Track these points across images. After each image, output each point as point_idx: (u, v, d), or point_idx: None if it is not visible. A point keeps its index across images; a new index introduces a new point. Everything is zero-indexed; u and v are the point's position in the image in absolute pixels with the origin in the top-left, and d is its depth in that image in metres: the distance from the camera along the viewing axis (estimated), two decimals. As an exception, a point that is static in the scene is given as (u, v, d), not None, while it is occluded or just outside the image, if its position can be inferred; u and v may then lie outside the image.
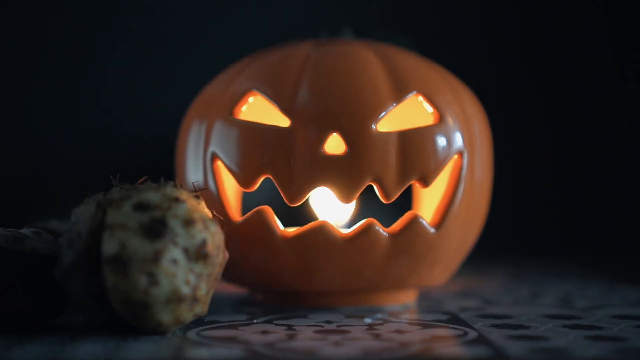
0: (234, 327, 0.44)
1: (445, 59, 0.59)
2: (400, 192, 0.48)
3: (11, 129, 0.91)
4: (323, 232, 0.47)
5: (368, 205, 0.52)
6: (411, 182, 0.48)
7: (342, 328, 0.44)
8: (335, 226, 0.48)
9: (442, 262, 0.51)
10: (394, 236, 0.48)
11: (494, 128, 0.56)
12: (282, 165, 0.47)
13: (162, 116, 0.86)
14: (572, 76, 1.01)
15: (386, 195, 0.47)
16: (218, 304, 0.53)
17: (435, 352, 0.38)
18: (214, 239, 0.41)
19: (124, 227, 0.39)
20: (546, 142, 1.02)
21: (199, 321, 0.46)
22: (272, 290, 0.52)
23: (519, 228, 1.01)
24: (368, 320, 0.47)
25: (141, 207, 0.40)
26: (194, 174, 0.51)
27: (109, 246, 0.39)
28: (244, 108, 0.50)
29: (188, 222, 0.40)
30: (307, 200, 0.48)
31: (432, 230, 0.49)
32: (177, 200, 0.40)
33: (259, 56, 0.53)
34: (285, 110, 0.48)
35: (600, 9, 1.00)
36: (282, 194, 0.48)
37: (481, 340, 0.40)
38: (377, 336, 0.41)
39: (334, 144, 0.47)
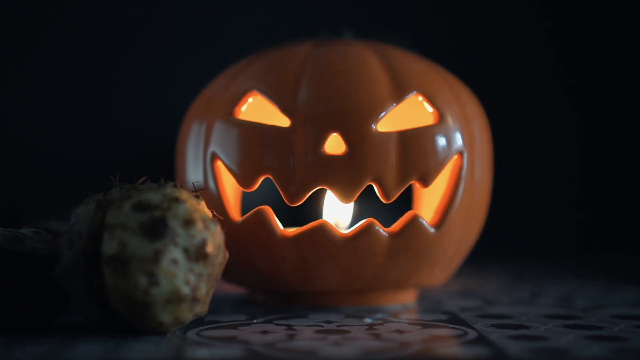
0: (234, 327, 0.44)
1: (445, 59, 0.58)
2: (400, 192, 0.48)
3: (11, 128, 0.91)
4: (323, 232, 0.47)
5: (368, 205, 0.52)
6: (411, 182, 0.48)
7: (342, 328, 0.44)
8: (335, 226, 0.48)
9: (442, 262, 0.51)
10: (394, 236, 0.48)
11: (494, 128, 0.56)
12: (282, 165, 0.47)
13: (162, 116, 0.86)
14: (572, 76, 1.01)
15: (386, 195, 0.47)
16: (218, 304, 0.53)
17: (435, 352, 0.38)
18: (214, 239, 0.41)
19: (124, 227, 0.39)
20: (546, 142, 1.02)
21: (199, 321, 0.46)
22: (272, 290, 0.52)
23: (519, 228, 1.01)
24: (368, 320, 0.47)
25: (141, 207, 0.40)
26: (194, 174, 0.51)
27: (109, 246, 0.39)
28: (244, 108, 0.50)
29: (188, 222, 0.40)
30: (307, 200, 0.48)
31: (432, 230, 0.49)
32: (177, 200, 0.40)
33: (258, 56, 0.53)
34: (285, 110, 0.48)
35: (601, 9, 1.00)
36: (282, 194, 0.48)
37: (481, 340, 0.40)
38: (377, 336, 0.41)
39: (334, 144, 0.47)
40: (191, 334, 0.42)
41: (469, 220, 0.51)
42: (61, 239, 0.41)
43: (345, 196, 0.47)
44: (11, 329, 0.42)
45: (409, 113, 0.50)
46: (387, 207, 0.49)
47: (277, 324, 0.45)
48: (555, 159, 1.02)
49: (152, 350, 0.38)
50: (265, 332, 0.43)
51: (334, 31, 0.55)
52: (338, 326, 0.44)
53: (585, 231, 1.00)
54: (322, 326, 0.44)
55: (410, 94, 0.49)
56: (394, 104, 0.48)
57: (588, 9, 1.00)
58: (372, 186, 0.48)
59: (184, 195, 0.41)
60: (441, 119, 0.49)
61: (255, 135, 0.48)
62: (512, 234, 0.99)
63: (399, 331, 0.43)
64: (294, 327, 0.44)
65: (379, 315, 0.49)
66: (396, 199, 0.48)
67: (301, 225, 0.48)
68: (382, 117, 0.48)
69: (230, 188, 0.51)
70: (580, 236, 1.01)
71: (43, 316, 0.42)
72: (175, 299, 0.39)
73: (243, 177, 0.49)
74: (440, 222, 0.49)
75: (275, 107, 0.49)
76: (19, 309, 0.41)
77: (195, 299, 0.40)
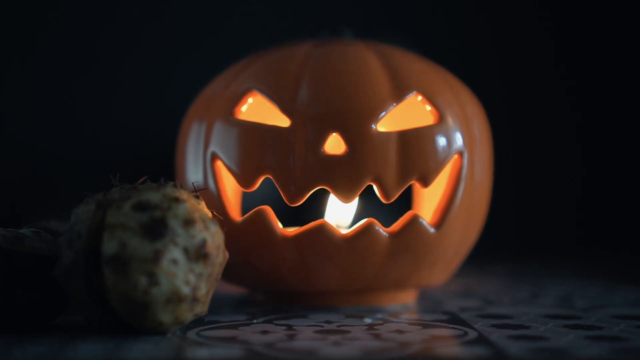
0: (234, 327, 0.44)
1: (445, 59, 0.58)
2: (400, 192, 0.48)
3: (11, 129, 0.91)
4: (323, 232, 0.47)
5: (368, 205, 0.52)
6: (411, 182, 0.48)
7: (342, 328, 0.44)
8: (336, 226, 0.48)
9: (442, 262, 0.51)
10: (394, 236, 0.48)
11: (494, 128, 0.56)
12: (282, 165, 0.47)
13: (162, 116, 0.86)
14: (572, 76, 1.01)
15: (386, 195, 0.47)
16: (218, 304, 0.53)
17: (435, 352, 0.38)
18: (214, 239, 0.41)
19: (124, 227, 0.39)
20: (546, 142, 1.02)
21: (199, 321, 0.46)
22: (272, 290, 0.52)
23: (519, 228, 1.01)
24: (368, 320, 0.47)
25: (141, 207, 0.40)
26: (194, 174, 0.51)
27: (109, 246, 0.39)
28: (244, 108, 0.50)
29: (188, 222, 0.40)
30: (307, 200, 0.48)
31: (432, 230, 0.49)
32: (177, 200, 0.40)
33: (259, 56, 0.53)
34: (285, 110, 0.48)
35: (601, 9, 1.00)
36: (282, 194, 0.48)
37: (481, 340, 0.40)
38: (377, 336, 0.41)
39: (334, 144, 0.47)
40: (191, 334, 0.42)
41: (469, 220, 0.51)
42: (61, 239, 0.41)
43: (345, 196, 0.47)
44: (11, 329, 0.42)
45: (409, 113, 0.50)
46: (387, 207, 0.49)
47: (277, 324, 0.45)
48: (555, 159, 1.02)
49: (152, 350, 0.38)
50: (265, 332, 0.43)
51: (334, 31, 0.55)
52: (338, 326, 0.44)
53: (585, 231, 1.00)
54: (322, 326, 0.44)
55: (410, 94, 0.49)
56: (394, 104, 0.48)
57: (588, 9, 1.00)
58: (372, 186, 0.48)
59: (184, 195, 0.41)
60: (441, 119, 0.49)
61: (255, 135, 0.48)
62: (512, 234, 0.99)
63: (399, 331, 0.43)
64: (294, 327, 0.44)
65: (379, 315, 0.49)
66: (396, 199, 0.48)
67: (301, 225, 0.48)
68: (382, 117, 0.48)
69: (230, 188, 0.51)
70: (580, 236, 1.01)
71: (43, 316, 0.42)
72: (175, 299, 0.39)
73: (243, 177, 0.49)
74: (440, 222, 0.49)
75: (275, 107, 0.49)
76: (19, 309, 0.41)
77: (195, 299, 0.40)
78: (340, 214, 0.53)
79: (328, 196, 0.53)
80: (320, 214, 0.53)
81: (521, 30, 1.01)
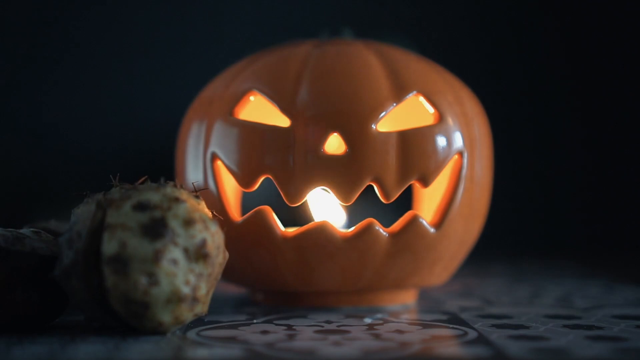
0: (234, 327, 0.44)
1: (446, 59, 0.58)
2: (400, 192, 0.48)
3: (11, 129, 0.91)
4: (323, 232, 0.47)
5: (368, 205, 0.52)
6: (411, 182, 0.48)
7: (342, 328, 0.44)
8: (335, 226, 0.48)
9: (442, 262, 0.51)
10: (394, 236, 0.48)
11: (494, 128, 0.56)
12: (282, 165, 0.47)
13: (162, 116, 0.86)
14: (572, 76, 1.01)
15: (386, 195, 0.47)
16: (218, 304, 0.53)
17: (435, 352, 0.38)
18: (214, 239, 0.41)
19: (123, 227, 0.39)
20: (546, 141, 1.02)
21: (199, 321, 0.46)
22: (272, 290, 0.52)
23: (519, 228, 1.01)
24: (368, 320, 0.47)
25: (141, 207, 0.40)
26: (194, 174, 0.51)
27: (109, 246, 0.39)
28: (244, 108, 0.50)
29: (188, 222, 0.40)
30: (307, 200, 0.48)
31: (432, 230, 0.49)
32: (177, 200, 0.40)
33: (259, 56, 0.53)
34: (285, 110, 0.48)
35: (601, 8, 1.00)
36: (282, 194, 0.48)
37: (481, 340, 0.40)
38: (377, 336, 0.41)
39: (334, 144, 0.47)
40: (191, 334, 0.42)
41: (469, 220, 0.51)
42: (61, 239, 0.41)
43: (345, 196, 0.47)
44: (11, 329, 0.42)
45: (409, 113, 0.50)
46: (387, 207, 0.49)
47: (277, 324, 0.45)
48: (556, 158, 1.02)
49: (152, 350, 0.38)
50: (265, 332, 0.43)
51: (334, 31, 0.55)
52: (338, 326, 0.44)
53: (586, 231, 1.00)
54: (322, 326, 0.44)
55: (410, 94, 0.49)
56: (394, 104, 0.48)
57: (589, 8, 1.00)
58: (372, 186, 0.48)
59: (184, 195, 0.41)
60: (441, 119, 0.49)
61: (255, 135, 0.48)
62: (512, 234, 0.99)
63: (399, 331, 0.43)
64: (294, 327, 0.44)
65: (379, 315, 0.49)
66: (396, 199, 0.48)
67: (301, 225, 0.48)
68: (382, 117, 0.48)
69: (230, 188, 0.51)
70: (581, 236, 1.01)
71: (43, 316, 0.42)
72: (175, 299, 0.39)
73: (243, 177, 0.49)
74: (440, 222, 0.49)
75: (275, 107, 0.49)
76: (19, 309, 0.41)
77: (195, 299, 0.40)
78: (332, 214, 0.53)
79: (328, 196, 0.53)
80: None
81: (521, 30, 1.01)
